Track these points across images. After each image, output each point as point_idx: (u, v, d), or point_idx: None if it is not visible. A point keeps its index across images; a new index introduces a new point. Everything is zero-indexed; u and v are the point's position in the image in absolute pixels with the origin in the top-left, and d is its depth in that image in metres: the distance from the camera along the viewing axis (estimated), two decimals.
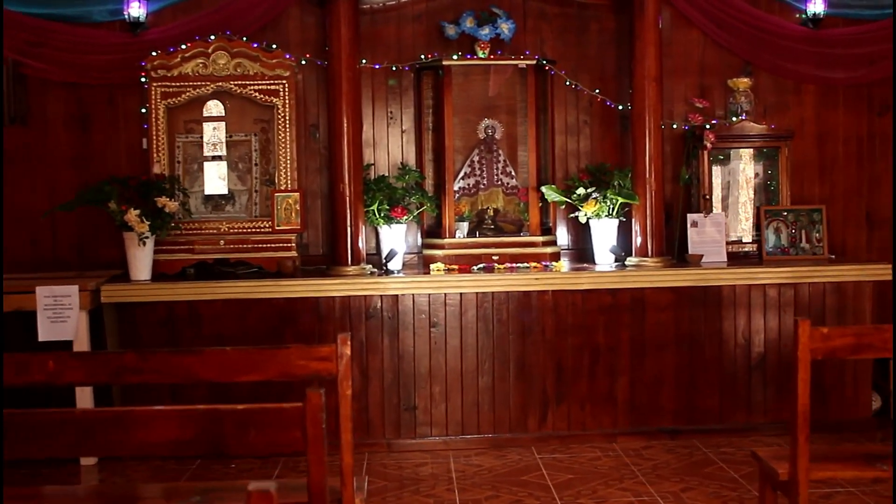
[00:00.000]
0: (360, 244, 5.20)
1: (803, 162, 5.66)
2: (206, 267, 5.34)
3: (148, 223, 5.07)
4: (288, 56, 5.37)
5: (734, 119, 5.43)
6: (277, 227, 5.36)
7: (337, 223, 5.21)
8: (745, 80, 5.45)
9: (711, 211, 5.36)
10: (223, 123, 5.46)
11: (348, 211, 5.17)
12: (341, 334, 3.10)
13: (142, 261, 5.13)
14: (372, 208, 5.30)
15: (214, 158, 5.45)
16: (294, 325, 5.01)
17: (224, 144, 5.49)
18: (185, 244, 5.29)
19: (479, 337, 5.05)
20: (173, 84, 5.39)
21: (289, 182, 5.42)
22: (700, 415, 5.10)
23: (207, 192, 5.44)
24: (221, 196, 5.60)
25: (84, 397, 4.88)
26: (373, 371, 5.03)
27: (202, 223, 5.39)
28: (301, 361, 3.17)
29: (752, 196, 5.42)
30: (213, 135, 5.48)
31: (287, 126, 5.41)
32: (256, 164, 5.60)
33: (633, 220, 5.28)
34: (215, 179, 5.45)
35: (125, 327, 5.02)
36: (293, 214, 5.38)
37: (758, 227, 5.44)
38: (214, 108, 5.47)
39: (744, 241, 5.43)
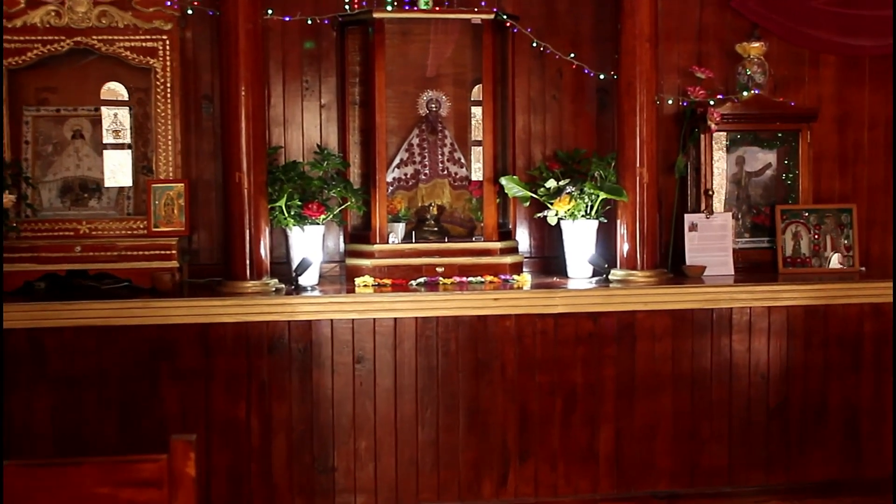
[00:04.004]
0: (263, 252, 3.69)
1: (820, 150, 4.30)
2: (61, 281, 3.78)
3: None
4: (169, 3, 3.82)
5: (744, 94, 4.04)
6: (154, 229, 3.84)
7: (232, 224, 3.69)
8: (758, 44, 4.07)
9: (713, 211, 3.98)
10: (127, 109, 3.97)
11: (246, 208, 3.66)
12: (178, 437, 1.59)
13: None
14: (279, 204, 3.79)
15: (116, 146, 3.96)
16: (172, 361, 3.51)
17: (129, 131, 3.96)
18: (28, 251, 3.73)
19: (420, 376, 3.59)
20: (16, 39, 3.85)
21: (171, 170, 3.90)
22: (704, 475, 3.71)
23: (108, 184, 3.98)
24: (83, 188, 4.04)
25: None
26: (277, 422, 3.55)
27: (54, 223, 3.86)
28: (103, 489, 1.66)
29: (724, 188, 4.06)
30: (115, 121, 4.00)
31: (169, 96, 3.91)
32: (130, 147, 4.04)
33: (619, 221, 3.85)
34: (117, 171, 3.96)
35: None
36: (175, 212, 3.86)
37: (771, 230, 4.07)
38: (117, 90, 3.97)
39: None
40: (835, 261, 3.99)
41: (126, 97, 3.99)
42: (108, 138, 3.99)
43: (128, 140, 4.03)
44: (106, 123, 3.99)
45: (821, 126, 4.27)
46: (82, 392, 3.46)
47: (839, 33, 4.21)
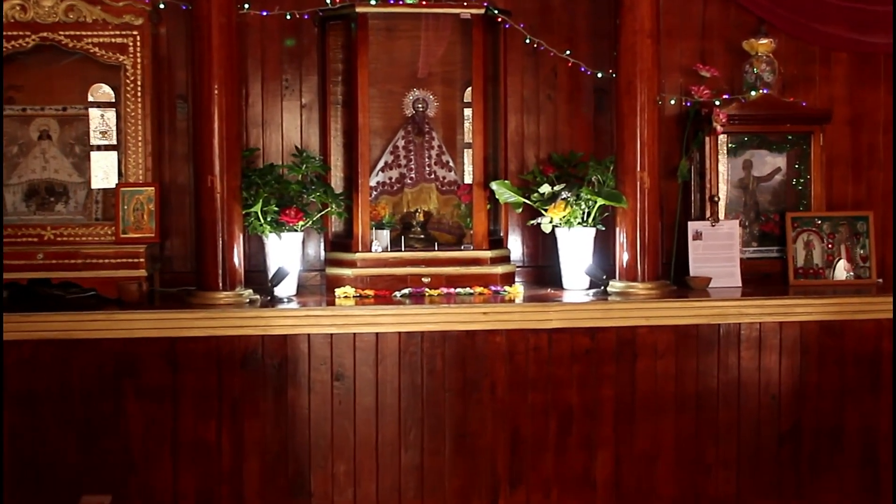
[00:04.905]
0: (236, 260, 3.39)
1: (832, 154, 3.99)
2: (24, 290, 3.49)
3: None
4: None
5: (752, 93, 3.74)
6: (123, 235, 3.55)
7: (203, 231, 3.40)
8: (766, 41, 3.77)
9: (719, 218, 3.67)
10: (114, 111, 3.72)
11: (219, 213, 3.37)
12: (89, 499, 1.35)
13: None
14: (255, 210, 3.49)
15: (103, 148, 3.75)
16: (137, 378, 3.23)
17: (114, 132, 3.71)
18: None
19: (403, 395, 3.29)
20: None
21: (141, 172, 3.61)
22: (710, 502, 3.40)
23: (94, 186, 3.74)
24: (49, 191, 3.75)
25: None
26: (250, 442, 3.25)
27: (17, 228, 3.59)
28: None
29: (726, 192, 3.77)
30: (102, 122, 3.78)
31: (139, 94, 3.64)
32: (90, 145, 3.79)
33: (618, 229, 3.55)
34: (110, 172, 3.75)
35: None
36: (145, 217, 3.58)
37: (781, 239, 3.76)
38: (104, 90, 3.73)
39: None
40: (840, 269, 3.67)
41: (113, 99, 3.74)
42: (95, 140, 3.76)
43: (115, 141, 3.77)
44: (93, 125, 3.76)
45: (832, 128, 3.96)
46: (41, 410, 3.18)
47: (851, 29, 3.91)
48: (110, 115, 3.75)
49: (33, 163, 3.77)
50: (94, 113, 3.78)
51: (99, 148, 3.79)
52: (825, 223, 3.72)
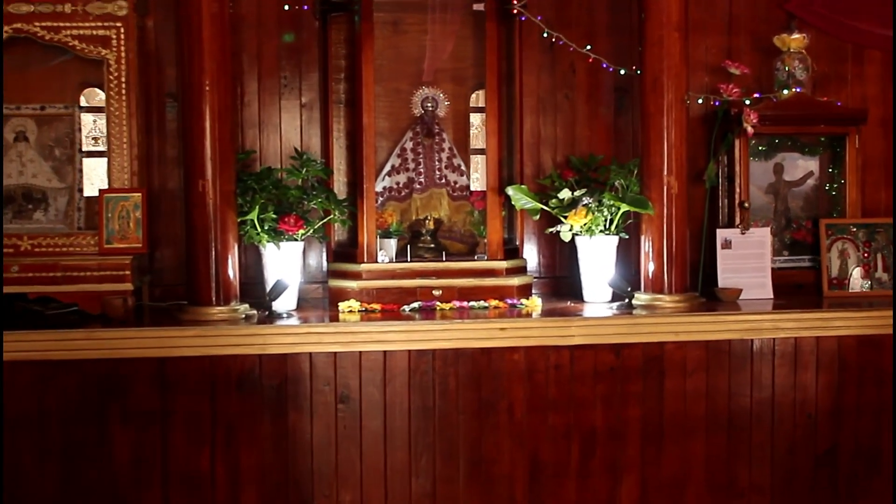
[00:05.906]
0: (231, 273, 3.12)
1: (865, 157, 3.76)
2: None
3: None
4: None
5: (784, 92, 3.50)
6: (107, 245, 3.26)
7: (194, 241, 3.13)
8: (799, 36, 3.53)
9: (749, 225, 3.43)
10: (105, 115, 3.43)
11: (212, 221, 3.10)
12: None
13: None
14: (251, 217, 3.22)
15: (95, 154, 3.55)
16: (123, 400, 2.96)
17: (107, 138, 3.42)
18: None
19: (413, 418, 3.04)
20: None
21: (126, 177, 3.34)
22: None
23: (87, 193, 3.49)
24: (26, 198, 3.47)
25: None
26: (248, 470, 3.00)
27: None
28: None
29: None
30: (94, 127, 3.60)
31: (124, 92, 3.38)
32: (82, 151, 3.49)
33: (643, 238, 3.30)
34: (100, 180, 3.54)
35: None
36: (132, 226, 3.30)
37: (814, 247, 3.53)
38: (99, 96, 3.50)
39: None
40: (856, 277, 3.45)
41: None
42: (87, 145, 3.58)
43: (106, 147, 3.50)
44: (85, 130, 3.58)
45: (865, 129, 3.73)
46: (17, 437, 2.91)
47: (883, 25, 3.68)
48: (103, 121, 3.48)
49: (9, 167, 3.50)
50: (86, 118, 3.56)
51: (86, 153, 3.53)
52: (861, 231, 3.48)
